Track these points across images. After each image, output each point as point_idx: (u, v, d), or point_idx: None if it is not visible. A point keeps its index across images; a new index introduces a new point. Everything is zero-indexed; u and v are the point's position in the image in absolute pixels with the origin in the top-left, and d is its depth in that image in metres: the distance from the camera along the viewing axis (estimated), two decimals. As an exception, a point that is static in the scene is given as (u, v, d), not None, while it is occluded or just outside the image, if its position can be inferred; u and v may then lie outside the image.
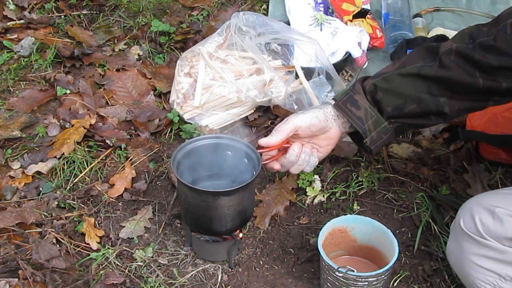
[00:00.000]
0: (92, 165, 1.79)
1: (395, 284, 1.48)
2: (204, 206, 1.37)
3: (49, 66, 2.17)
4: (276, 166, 1.34)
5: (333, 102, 1.34)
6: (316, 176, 1.73)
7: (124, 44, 2.29)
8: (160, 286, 1.47)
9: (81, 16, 2.43)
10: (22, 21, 2.39)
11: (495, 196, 1.29)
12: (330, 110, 1.32)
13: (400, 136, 1.85)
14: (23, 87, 2.10)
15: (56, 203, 1.67)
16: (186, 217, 1.47)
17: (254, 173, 1.35)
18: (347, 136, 1.43)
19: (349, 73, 2.13)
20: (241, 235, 1.56)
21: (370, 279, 1.30)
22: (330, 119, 1.32)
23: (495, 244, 1.20)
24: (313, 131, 1.32)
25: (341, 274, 1.29)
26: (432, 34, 2.20)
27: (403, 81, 1.27)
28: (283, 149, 1.34)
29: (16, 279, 1.45)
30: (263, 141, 1.31)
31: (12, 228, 1.58)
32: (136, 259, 1.54)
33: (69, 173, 1.77)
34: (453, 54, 1.23)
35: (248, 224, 1.63)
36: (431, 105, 1.26)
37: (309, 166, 1.36)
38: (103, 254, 1.54)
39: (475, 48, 1.20)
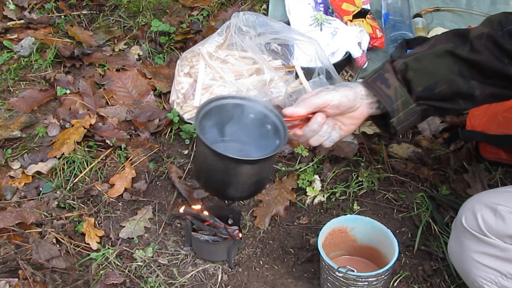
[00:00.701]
0: (92, 165, 1.79)
1: (395, 284, 1.48)
2: (224, 171, 1.30)
3: (49, 66, 2.17)
4: (299, 132, 1.29)
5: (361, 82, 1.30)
6: (316, 176, 1.73)
7: (124, 44, 2.29)
8: (160, 286, 1.47)
9: (81, 16, 2.43)
10: (22, 21, 2.39)
11: (497, 194, 1.29)
12: (360, 90, 1.28)
13: (400, 136, 1.85)
14: (23, 87, 2.10)
15: (56, 203, 1.67)
16: (201, 178, 1.39)
17: (278, 142, 1.29)
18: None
19: (349, 73, 2.13)
20: (240, 234, 1.56)
21: (370, 279, 1.30)
22: (358, 99, 1.28)
23: (496, 241, 1.20)
24: (341, 109, 1.28)
25: (341, 274, 1.29)
26: (432, 34, 2.20)
27: (435, 61, 1.25)
28: (306, 120, 1.29)
29: (16, 279, 1.45)
30: (288, 111, 1.25)
31: (12, 228, 1.58)
32: (136, 259, 1.54)
33: (69, 173, 1.77)
34: (484, 39, 1.22)
35: (248, 224, 1.64)
36: (462, 87, 1.24)
37: (329, 140, 1.30)
38: (103, 254, 1.54)
39: (504, 35, 1.20)
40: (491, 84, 1.24)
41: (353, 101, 1.27)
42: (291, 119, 1.27)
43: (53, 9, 2.46)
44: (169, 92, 2.02)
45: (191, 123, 1.88)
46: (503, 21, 1.22)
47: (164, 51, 2.26)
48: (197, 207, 1.54)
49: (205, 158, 1.32)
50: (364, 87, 1.28)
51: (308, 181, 1.72)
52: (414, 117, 1.28)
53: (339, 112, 1.29)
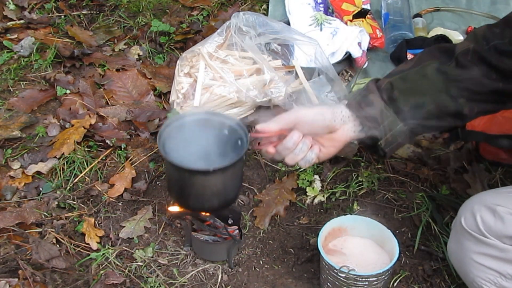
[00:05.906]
0: (92, 165, 1.79)
1: (395, 284, 1.48)
2: (182, 181, 1.35)
3: (49, 66, 2.17)
4: (271, 149, 1.25)
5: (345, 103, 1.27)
6: (316, 176, 1.73)
7: (124, 44, 2.29)
8: (160, 286, 1.47)
9: (81, 16, 2.43)
10: (22, 21, 2.39)
11: (496, 194, 1.28)
12: (341, 111, 1.23)
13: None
14: (23, 87, 2.10)
15: (56, 203, 1.67)
16: (169, 190, 1.48)
17: (235, 155, 1.30)
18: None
19: (349, 73, 2.13)
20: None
21: (371, 279, 1.30)
22: (338, 120, 1.22)
23: (496, 242, 1.19)
24: (315, 128, 1.23)
25: (343, 275, 1.29)
26: (432, 34, 2.20)
27: (421, 79, 1.21)
28: (283, 137, 1.25)
29: (16, 279, 1.45)
30: (260, 126, 1.22)
31: (12, 228, 1.58)
32: (136, 259, 1.54)
33: (69, 173, 1.77)
34: (469, 55, 1.18)
35: (248, 224, 1.64)
36: (450, 105, 1.20)
37: (304, 160, 1.26)
38: (103, 254, 1.54)
39: (490, 50, 1.17)
40: (479, 100, 1.20)
41: (330, 121, 1.22)
42: (264, 135, 1.24)
43: (53, 9, 2.46)
44: (169, 92, 2.02)
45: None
46: (488, 35, 1.18)
47: (164, 51, 2.26)
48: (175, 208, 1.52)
49: (168, 171, 1.38)
50: (347, 109, 1.23)
51: (308, 181, 1.72)
52: (403, 137, 1.23)
53: (314, 131, 1.24)
